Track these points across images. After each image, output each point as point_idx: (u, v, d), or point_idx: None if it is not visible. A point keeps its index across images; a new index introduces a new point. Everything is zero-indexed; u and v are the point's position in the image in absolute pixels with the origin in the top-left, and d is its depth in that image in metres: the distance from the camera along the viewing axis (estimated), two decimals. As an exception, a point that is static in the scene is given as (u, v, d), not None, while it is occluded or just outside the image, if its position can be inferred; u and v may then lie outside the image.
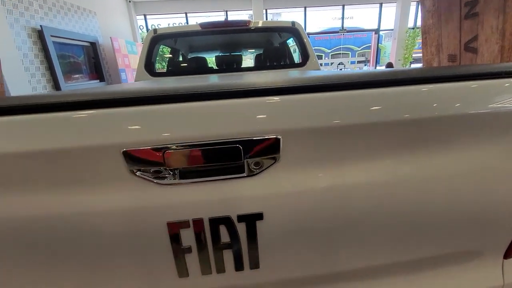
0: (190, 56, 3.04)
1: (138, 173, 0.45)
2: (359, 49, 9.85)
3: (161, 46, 2.37)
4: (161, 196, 0.47)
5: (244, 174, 0.47)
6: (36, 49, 4.17)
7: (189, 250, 0.50)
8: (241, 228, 0.50)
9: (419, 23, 7.80)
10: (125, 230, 0.49)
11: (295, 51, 2.67)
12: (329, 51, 9.98)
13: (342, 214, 0.51)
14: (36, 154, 0.43)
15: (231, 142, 0.45)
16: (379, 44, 9.22)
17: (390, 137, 0.49)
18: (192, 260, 0.51)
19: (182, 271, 0.52)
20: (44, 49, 4.44)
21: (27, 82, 3.95)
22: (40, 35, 4.28)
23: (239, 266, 0.53)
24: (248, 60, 4.24)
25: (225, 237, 0.50)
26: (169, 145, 0.44)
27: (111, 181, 0.46)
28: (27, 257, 0.48)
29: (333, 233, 0.53)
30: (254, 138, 0.45)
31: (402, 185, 0.51)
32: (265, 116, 0.46)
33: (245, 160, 0.46)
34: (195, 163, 0.46)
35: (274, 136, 0.45)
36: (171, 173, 0.46)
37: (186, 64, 2.75)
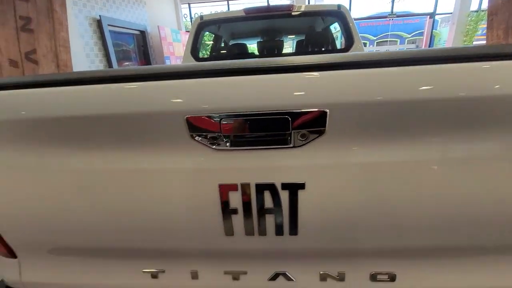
0: (232, 42, 3.11)
1: (197, 138, 0.51)
2: (409, 36, 9.03)
3: (206, 33, 2.47)
4: (215, 160, 0.53)
5: (291, 145, 0.51)
6: (95, 37, 4.60)
7: (235, 211, 0.56)
8: (284, 195, 0.53)
9: (484, 5, 6.88)
10: (181, 188, 0.56)
11: (337, 37, 2.58)
12: (375, 38, 9.31)
13: (383, 192, 0.52)
14: (115, 117, 0.52)
15: (281, 113, 0.48)
16: (434, 30, 8.35)
17: (442, 115, 0.48)
18: (238, 221, 0.57)
19: (228, 230, 0.58)
20: (102, 37, 4.88)
21: (87, 68, 4.41)
22: (99, 24, 4.70)
23: (279, 231, 0.57)
24: (289, 46, 4.18)
25: (268, 202, 0.54)
26: (226, 114, 0.49)
27: (174, 144, 0.53)
28: (102, 202, 0.58)
29: (372, 210, 0.54)
30: (302, 111, 0.48)
31: (450, 166, 0.50)
32: (314, 90, 0.48)
33: (292, 131, 0.49)
34: (247, 132, 0.50)
35: (322, 110, 0.48)
36: (226, 140, 0.51)
37: (228, 50, 2.83)
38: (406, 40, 9.04)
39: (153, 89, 0.51)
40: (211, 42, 2.80)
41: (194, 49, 2.19)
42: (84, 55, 4.31)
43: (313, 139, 0.50)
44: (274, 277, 0.64)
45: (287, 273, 0.64)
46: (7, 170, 0.60)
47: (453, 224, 0.54)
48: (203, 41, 2.46)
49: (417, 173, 0.51)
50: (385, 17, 8.37)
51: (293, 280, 0.64)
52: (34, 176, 0.60)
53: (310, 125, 0.49)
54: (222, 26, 2.51)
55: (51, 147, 0.57)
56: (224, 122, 0.49)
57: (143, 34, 6.43)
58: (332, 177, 0.52)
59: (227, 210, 0.56)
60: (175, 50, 7.44)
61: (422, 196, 0.52)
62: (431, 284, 0.61)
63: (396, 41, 9.16)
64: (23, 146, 0.57)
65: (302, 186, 0.52)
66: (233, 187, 0.53)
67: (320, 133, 0.50)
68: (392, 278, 0.61)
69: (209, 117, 0.49)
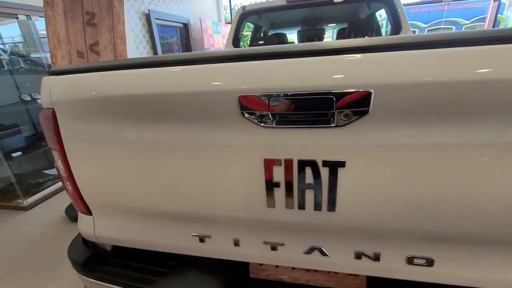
0: (272, 32, 3.12)
1: (247, 116, 0.57)
2: (468, 22, 8.05)
3: (247, 23, 2.52)
4: (262, 137, 0.58)
5: (333, 125, 0.54)
6: (144, 31, 4.94)
7: (278, 185, 0.61)
8: (324, 172, 0.57)
9: None
10: (230, 161, 0.62)
11: (382, 25, 2.44)
12: (426, 26, 8.48)
13: (423, 174, 0.53)
14: (179, 95, 0.60)
15: (325, 93, 0.51)
16: (499, 15, 7.35)
17: (490, 98, 0.47)
18: (279, 194, 0.62)
19: (270, 202, 0.63)
20: (150, 30, 5.21)
21: (137, 58, 4.76)
22: (147, 18, 5.02)
23: (317, 206, 0.61)
24: (330, 36, 4.06)
25: (309, 178, 0.58)
26: (274, 94, 0.54)
27: (226, 120, 0.59)
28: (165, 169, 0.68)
29: (411, 192, 0.55)
30: (347, 91, 0.51)
31: (496, 151, 0.49)
32: (359, 71, 0.50)
33: (336, 111, 0.52)
34: (293, 111, 0.54)
35: (366, 90, 0.50)
36: (273, 118, 0.56)
37: (268, 40, 2.85)
38: (463, 27, 8.09)
39: (212, 71, 0.57)
40: (252, 32, 2.85)
41: (236, 40, 2.26)
42: (134, 47, 4.66)
43: (355, 119, 0.53)
44: (309, 251, 0.69)
45: (322, 248, 0.67)
46: (91, 142, 0.72)
47: (499, 211, 0.52)
48: (244, 31, 2.51)
49: (460, 157, 0.50)
50: (439, 1, 7.57)
51: (327, 255, 0.68)
52: (111, 147, 0.71)
53: (354, 105, 0.51)
54: (263, 16, 2.53)
55: (125, 122, 0.67)
56: (272, 101, 0.54)
57: (186, 26, 6.71)
58: (373, 157, 0.54)
59: (270, 183, 0.61)
60: (214, 42, 7.64)
61: (466, 180, 0.51)
62: (470, 274, 0.60)
63: (451, 28, 8.23)
64: (105, 120, 0.69)
65: (342, 164, 0.55)
66: (277, 162, 0.58)
67: (363, 113, 0.52)
68: (430, 263, 0.62)
69: (259, 96, 0.54)
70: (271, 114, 0.55)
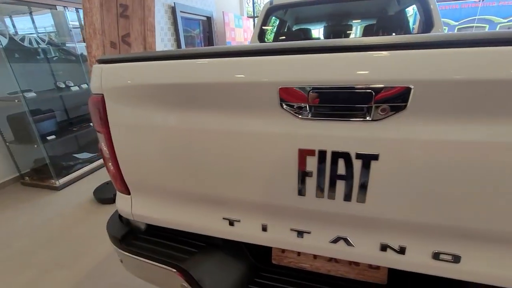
0: (297, 27, 3.11)
1: (285, 107, 0.60)
2: (505, 21, 7.58)
3: (273, 18, 2.53)
4: (298, 127, 0.61)
5: (369, 118, 0.56)
6: (169, 23, 5.06)
7: (310, 174, 0.64)
8: (357, 164, 0.59)
9: None
10: (266, 149, 0.66)
11: (413, 21, 2.37)
12: (456, 24, 8.05)
13: (457, 171, 0.54)
14: (222, 85, 0.64)
15: (364, 88, 0.54)
16: (540, 14, 6.84)
17: None
18: (311, 183, 0.65)
19: (301, 190, 0.66)
20: (175, 23, 5.32)
21: (161, 50, 4.89)
22: (172, 11, 5.13)
23: (347, 197, 0.63)
24: (358, 31, 3.98)
25: (341, 169, 0.61)
26: (313, 87, 0.56)
27: (265, 110, 0.62)
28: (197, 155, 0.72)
29: (442, 188, 0.56)
30: (386, 86, 0.52)
31: None
32: (399, 66, 0.52)
33: (373, 105, 0.54)
34: (331, 104, 0.57)
35: (406, 86, 0.51)
36: (310, 110, 0.59)
37: (293, 36, 2.84)
38: (498, 26, 7.62)
39: (255, 63, 0.61)
40: (276, 27, 2.85)
41: (262, 34, 2.28)
42: (159, 40, 4.78)
43: (392, 114, 0.54)
44: (335, 240, 0.71)
45: (348, 238, 0.70)
46: (135, 126, 0.78)
47: None
48: (270, 26, 2.53)
49: (495, 155, 0.51)
50: (474, -2, 7.15)
51: (353, 245, 0.70)
52: (153, 132, 0.77)
53: (392, 100, 0.53)
54: (289, 11, 2.53)
55: (169, 109, 0.72)
56: (311, 94, 0.57)
57: (209, 20, 6.78)
58: (406, 152, 0.56)
59: (302, 172, 0.64)
60: (236, 36, 7.67)
61: (499, 179, 0.52)
62: (498, 273, 0.61)
63: (485, 26, 7.78)
64: (150, 107, 0.74)
65: (375, 157, 0.57)
66: (311, 152, 0.61)
67: (401, 108, 0.53)
68: (457, 259, 0.63)
69: (299, 89, 0.57)
70: (309, 106, 0.58)
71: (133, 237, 0.96)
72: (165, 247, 0.92)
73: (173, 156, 0.76)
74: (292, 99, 0.59)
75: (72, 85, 3.00)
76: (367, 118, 0.56)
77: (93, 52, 2.18)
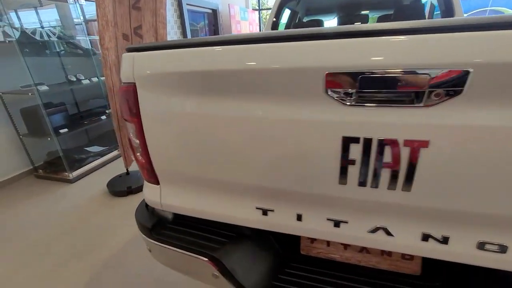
0: (306, 19, 3.06)
1: (329, 93, 0.59)
2: (517, 11, 7.39)
3: (286, 9, 2.48)
4: (343, 114, 0.60)
5: (421, 104, 0.54)
6: (175, 16, 5.01)
7: (353, 162, 0.62)
8: (405, 152, 0.58)
9: None
10: (307, 137, 0.64)
11: (428, 12, 2.32)
12: (465, 15, 7.87)
13: (509, 159, 0.52)
14: (263, 71, 0.62)
15: (418, 72, 0.52)
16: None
17: None
18: (353, 172, 0.63)
19: (343, 179, 0.65)
20: (181, 16, 5.27)
21: (168, 44, 4.85)
22: (179, 3, 5.07)
23: (392, 185, 0.62)
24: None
25: (387, 157, 0.60)
26: (363, 72, 0.55)
27: (309, 97, 0.61)
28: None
29: (494, 176, 0.55)
30: (443, 70, 0.50)
31: None
32: (457, 49, 0.50)
33: (427, 90, 0.53)
34: (380, 89, 0.55)
35: (464, 69, 0.49)
36: (358, 95, 0.57)
37: (304, 27, 2.80)
38: (510, 17, 7.40)
39: (300, 48, 0.59)
40: (288, 19, 2.81)
41: (275, 26, 2.25)
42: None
43: (447, 99, 0.53)
44: (373, 230, 0.70)
45: (388, 228, 0.69)
46: (167, 115, 0.77)
47: None
48: (282, 17, 2.49)
49: None
50: (487, -12, 6.96)
51: (392, 235, 0.69)
52: (186, 120, 0.76)
53: (448, 85, 0.51)
54: (302, 2, 2.48)
55: (204, 96, 0.71)
56: (361, 80, 0.55)
57: (214, 12, 6.70)
58: (460, 139, 0.54)
59: (345, 161, 0.63)
60: (242, 29, 7.59)
61: None
62: None
63: (496, 18, 7.56)
64: (183, 95, 0.73)
65: (425, 144, 0.56)
66: (356, 140, 0.60)
67: (456, 93, 0.52)
68: (503, 249, 0.61)
69: (347, 74, 0.56)
70: (357, 92, 0.57)
71: (162, 227, 0.96)
72: (194, 236, 0.92)
73: (208, 144, 0.75)
74: (339, 85, 0.57)
75: (83, 78, 3.00)
76: (420, 104, 0.54)
77: (106, 44, 2.16)
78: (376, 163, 0.61)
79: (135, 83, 0.78)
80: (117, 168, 2.96)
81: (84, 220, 2.17)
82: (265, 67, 0.62)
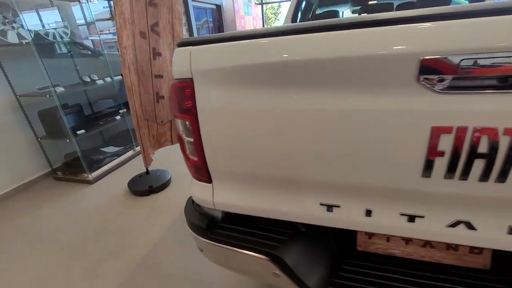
0: (319, 11, 2.99)
1: (422, 80, 0.55)
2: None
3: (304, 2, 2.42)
4: (434, 103, 0.56)
5: (527, 89, 0.50)
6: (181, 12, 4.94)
7: (441, 153, 0.59)
8: (504, 140, 0.54)
9: None
10: (387, 129, 0.61)
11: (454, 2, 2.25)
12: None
13: None
14: (351, 59, 0.58)
15: None
16: None
17: None
18: (441, 163, 0.60)
19: (427, 171, 0.62)
20: (186, 12, 5.21)
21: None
22: (184, 0, 5.01)
23: (484, 177, 0.58)
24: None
25: (483, 147, 0.56)
26: (464, 56, 0.51)
27: (398, 85, 0.57)
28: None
29: None
30: None
31: None
32: None
33: None
34: (481, 74, 0.52)
35: None
36: (454, 82, 0.53)
37: (320, 18, 2.74)
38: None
39: (392, 32, 0.55)
40: (303, 9, 2.75)
41: (295, 18, 2.20)
42: (174, 30, 4.69)
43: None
44: (454, 224, 0.67)
45: (470, 222, 0.66)
46: (225, 110, 0.74)
47: None
48: (301, 9, 2.43)
49: None
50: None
51: (475, 229, 0.66)
52: (245, 115, 0.72)
53: None
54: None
55: (268, 90, 0.68)
56: (461, 64, 0.51)
57: (218, 8, 6.63)
58: None
59: (433, 152, 0.59)
60: (246, 24, 7.50)
61: None
62: None
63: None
64: (244, 89, 0.70)
65: None
66: (447, 130, 0.56)
67: None
68: None
69: (447, 58, 0.52)
70: (455, 78, 0.53)
71: (216, 226, 0.93)
72: (250, 235, 0.89)
73: (278, 141, 0.72)
74: (436, 71, 0.53)
75: (97, 78, 2.96)
76: None
77: (124, 43, 2.12)
78: (470, 153, 0.57)
79: (192, 78, 0.74)
80: (135, 167, 2.94)
81: (111, 220, 2.15)
82: (344, 56, 0.58)
